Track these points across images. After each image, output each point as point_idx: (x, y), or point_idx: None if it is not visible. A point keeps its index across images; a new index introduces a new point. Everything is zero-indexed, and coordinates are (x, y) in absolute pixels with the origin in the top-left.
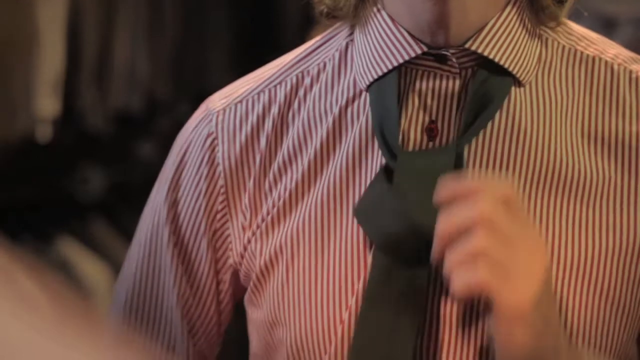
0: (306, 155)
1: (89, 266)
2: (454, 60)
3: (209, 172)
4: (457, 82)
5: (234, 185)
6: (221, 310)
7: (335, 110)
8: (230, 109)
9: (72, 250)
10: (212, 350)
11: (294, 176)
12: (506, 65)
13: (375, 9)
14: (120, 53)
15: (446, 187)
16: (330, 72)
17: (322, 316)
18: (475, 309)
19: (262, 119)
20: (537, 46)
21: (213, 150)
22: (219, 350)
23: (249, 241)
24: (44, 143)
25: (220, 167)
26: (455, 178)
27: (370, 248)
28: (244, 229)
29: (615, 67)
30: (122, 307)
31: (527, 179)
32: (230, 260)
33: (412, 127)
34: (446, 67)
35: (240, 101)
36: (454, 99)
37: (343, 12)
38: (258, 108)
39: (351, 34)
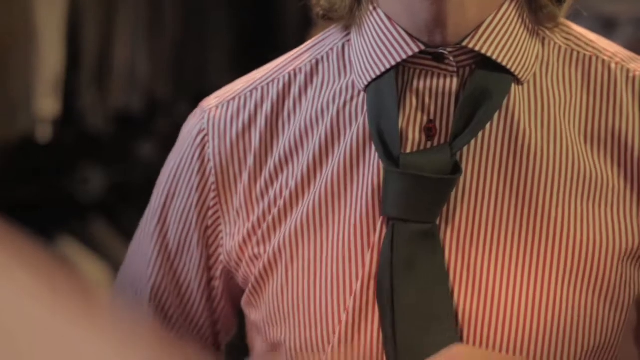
0: (303, 155)
1: (89, 266)
2: (451, 58)
3: (200, 168)
4: (455, 81)
5: (225, 181)
6: (214, 308)
7: (333, 110)
8: (223, 105)
9: (72, 250)
10: (207, 345)
11: (292, 176)
12: (504, 63)
13: (371, 8)
14: (120, 53)
15: None
16: (327, 71)
17: (321, 316)
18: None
19: (254, 115)
20: (535, 45)
21: (204, 147)
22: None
23: (246, 243)
24: (44, 143)
25: (212, 164)
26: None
27: (369, 248)
28: (237, 227)
29: (613, 66)
30: (114, 298)
31: (526, 177)
32: (221, 257)
33: (410, 126)
34: (443, 66)
35: (233, 98)
36: (452, 97)
37: (339, 14)
38: (250, 105)
39: (347, 34)
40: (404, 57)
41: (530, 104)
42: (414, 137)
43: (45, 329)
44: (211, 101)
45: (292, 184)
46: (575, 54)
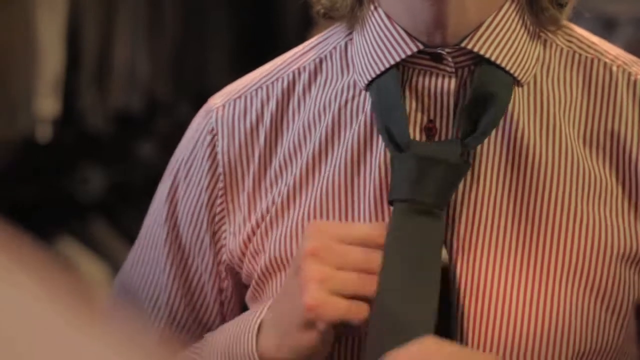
0: (305, 151)
1: (89, 266)
2: (449, 59)
3: (210, 167)
4: (453, 81)
5: (233, 181)
6: (225, 310)
7: (335, 108)
8: (230, 104)
9: (72, 250)
10: None
11: (294, 173)
12: (503, 64)
13: (372, 8)
14: (120, 53)
15: None
16: (330, 69)
17: None
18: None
19: (260, 114)
20: (535, 46)
21: (214, 146)
22: None
23: (250, 239)
24: (44, 143)
25: (221, 163)
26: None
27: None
28: (240, 225)
29: (614, 69)
30: (115, 299)
31: (524, 179)
32: (224, 257)
33: (410, 126)
34: (442, 66)
35: (239, 97)
36: (451, 98)
37: (340, 13)
38: (256, 103)
39: (350, 33)
40: (403, 56)
41: (530, 105)
42: (414, 136)
43: (44, 331)
44: (217, 100)
45: (291, 180)
46: (577, 56)
